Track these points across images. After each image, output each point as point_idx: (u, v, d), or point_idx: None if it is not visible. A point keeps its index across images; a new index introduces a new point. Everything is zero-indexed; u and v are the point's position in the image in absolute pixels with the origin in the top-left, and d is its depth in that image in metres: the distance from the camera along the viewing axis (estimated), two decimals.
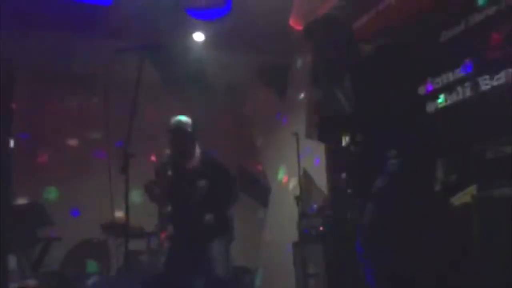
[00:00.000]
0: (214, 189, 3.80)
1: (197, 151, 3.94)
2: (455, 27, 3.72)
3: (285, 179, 6.33)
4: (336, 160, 5.00)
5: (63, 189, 6.16)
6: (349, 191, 2.92)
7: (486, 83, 3.42)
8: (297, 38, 5.50)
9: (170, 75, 6.20)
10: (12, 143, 4.90)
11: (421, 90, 3.79)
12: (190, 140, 3.89)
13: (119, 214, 4.53)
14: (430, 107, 3.80)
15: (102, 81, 6.15)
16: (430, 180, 2.63)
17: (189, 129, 3.87)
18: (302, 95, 6.10)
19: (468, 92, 3.57)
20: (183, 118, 3.91)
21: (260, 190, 6.86)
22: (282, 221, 5.93)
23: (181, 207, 3.88)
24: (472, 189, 3.02)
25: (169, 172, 3.79)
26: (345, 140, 2.61)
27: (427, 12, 3.96)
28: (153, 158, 4.98)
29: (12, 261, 4.91)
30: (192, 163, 3.89)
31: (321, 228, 4.79)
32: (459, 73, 3.65)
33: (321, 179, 5.54)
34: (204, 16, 5.19)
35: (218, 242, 3.73)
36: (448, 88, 3.72)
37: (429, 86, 3.86)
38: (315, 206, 5.34)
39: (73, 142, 6.55)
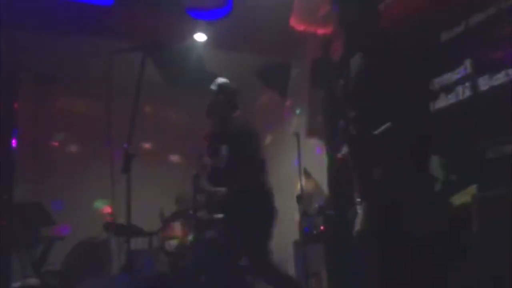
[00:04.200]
0: None
1: None
2: (455, 27, 3.73)
3: (286, 179, 6.33)
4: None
5: (66, 188, 6.18)
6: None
7: (485, 83, 3.43)
8: (298, 38, 5.52)
9: (171, 75, 6.21)
10: (15, 143, 4.92)
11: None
12: None
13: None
14: (430, 107, 3.80)
15: (103, 81, 6.16)
16: (425, 176, 2.61)
17: None
18: (303, 95, 6.10)
19: (468, 92, 3.58)
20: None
21: None
22: (283, 220, 5.93)
23: None
24: (472, 189, 3.03)
25: None
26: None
27: (427, 12, 3.96)
28: None
29: (14, 260, 4.93)
30: None
31: (321, 228, 4.81)
32: (459, 73, 3.66)
33: (321, 179, 5.54)
34: (205, 16, 5.20)
35: None
36: (448, 88, 3.73)
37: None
38: (315, 205, 5.35)
39: (75, 142, 6.57)
